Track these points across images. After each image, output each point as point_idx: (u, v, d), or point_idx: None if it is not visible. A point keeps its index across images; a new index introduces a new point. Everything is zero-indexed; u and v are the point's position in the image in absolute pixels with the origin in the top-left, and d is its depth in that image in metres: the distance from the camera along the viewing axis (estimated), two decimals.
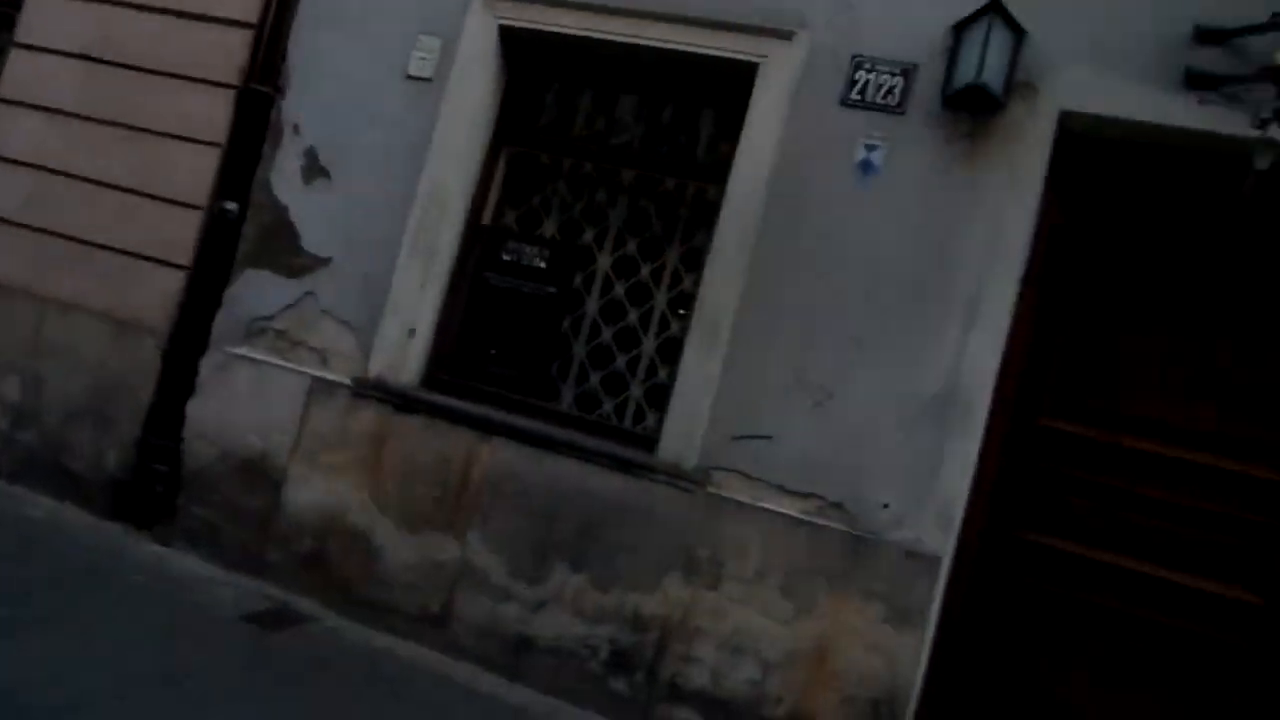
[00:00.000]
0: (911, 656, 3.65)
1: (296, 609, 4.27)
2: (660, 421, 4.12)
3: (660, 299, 4.38)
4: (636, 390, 4.36)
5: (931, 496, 3.71)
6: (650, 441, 4.10)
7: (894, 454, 3.76)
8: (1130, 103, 3.70)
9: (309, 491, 4.45)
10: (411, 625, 4.22)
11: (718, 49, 4.16)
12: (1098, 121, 3.76)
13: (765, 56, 4.09)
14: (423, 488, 4.29)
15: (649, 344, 4.37)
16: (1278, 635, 3.56)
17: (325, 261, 4.59)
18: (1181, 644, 3.66)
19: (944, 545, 3.70)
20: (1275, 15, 3.42)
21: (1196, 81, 3.62)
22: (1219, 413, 3.72)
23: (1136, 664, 3.70)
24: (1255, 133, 3.41)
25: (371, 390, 4.40)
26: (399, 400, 4.37)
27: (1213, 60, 3.59)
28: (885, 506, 3.75)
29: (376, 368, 4.43)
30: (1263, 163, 3.34)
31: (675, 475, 3.95)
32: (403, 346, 4.44)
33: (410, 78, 4.58)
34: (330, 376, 4.49)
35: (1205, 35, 3.61)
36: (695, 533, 3.91)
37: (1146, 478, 3.77)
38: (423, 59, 4.57)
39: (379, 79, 4.62)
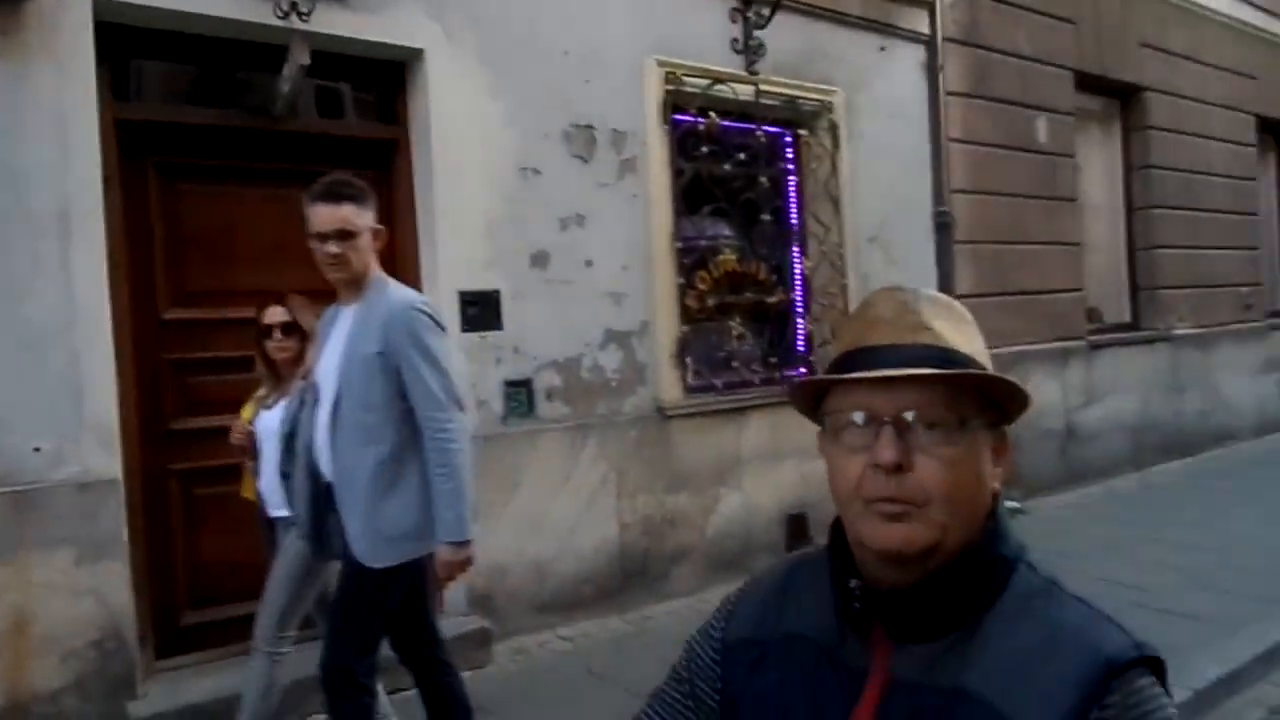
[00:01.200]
0: (120, 582, 3.59)
1: None
2: None
3: None
4: None
5: (85, 422, 3.55)
6: None
7: (29, 393, 3.45)
8: None
9: None
10: None
11: None
12: (136, 11, 3.72)
13: None
14: None
15: None
16: None
17: None
18: None
19: (113, 465, 3.63)
20: None
21: None
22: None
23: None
24: (285, 24, 3.86)
25: None
26: None
27: None
28: (37, 450, 3.47)
29: None
30: (303, 56, 3.82)
31: None
32: None
33: None
34: None
35: None
36: None
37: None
38: None
39: None
